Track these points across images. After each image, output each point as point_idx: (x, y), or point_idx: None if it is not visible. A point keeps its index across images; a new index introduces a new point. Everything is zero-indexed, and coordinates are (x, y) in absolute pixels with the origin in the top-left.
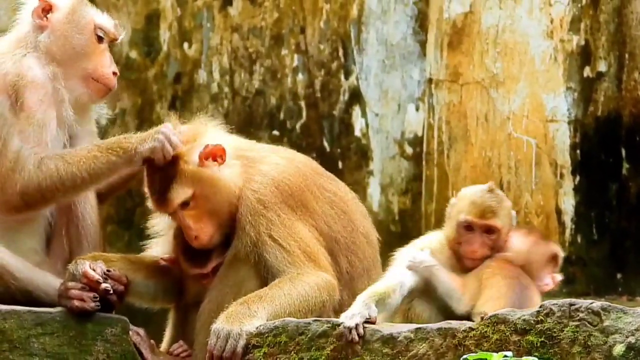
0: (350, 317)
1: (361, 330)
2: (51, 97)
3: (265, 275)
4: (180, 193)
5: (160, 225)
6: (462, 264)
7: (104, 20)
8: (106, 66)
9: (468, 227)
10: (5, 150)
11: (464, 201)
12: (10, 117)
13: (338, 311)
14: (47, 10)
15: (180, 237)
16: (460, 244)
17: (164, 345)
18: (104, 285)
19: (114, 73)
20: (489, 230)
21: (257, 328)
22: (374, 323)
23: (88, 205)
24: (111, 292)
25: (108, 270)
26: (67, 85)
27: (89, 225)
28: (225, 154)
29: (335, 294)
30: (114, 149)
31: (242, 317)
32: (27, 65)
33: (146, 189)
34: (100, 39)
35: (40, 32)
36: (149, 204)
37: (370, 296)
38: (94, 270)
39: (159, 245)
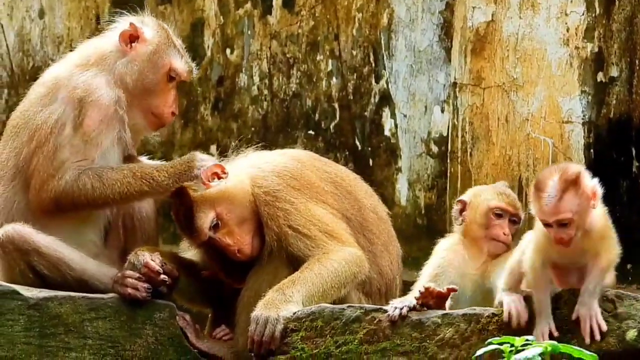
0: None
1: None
2: (112, 117)
3: (297, 262)
4: (204, 219)
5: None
6: (479, 252)
7: (180, 65)
8: (168, 105)
9: (499, 213)
10: (54, 156)
11: (490, 192)
12: (69, 128)
13: (368, 292)
14: (134, 37)
15: (217, 258)
16: (488, 229)
17: (207, 329)
18: (162, 276)
19: (173, 113)
20: (515, 218)
21: (294, 313)
22: None
23: None
24: (168, 282)
25: (164, 264)
26: (128, 111)
27: (144, 217)
28: (224, 168)
29: (363, 264)
30: (147, 179)
31: (279, 303)
32: (97, 84)
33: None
34: (171, 79)
35: (121, 57)
36: (184, 240)
37: None
38: (154, 261)
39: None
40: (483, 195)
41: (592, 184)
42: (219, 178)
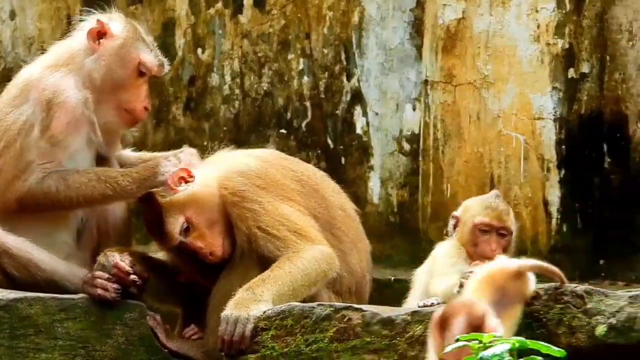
0: None
1: None
2: (79, 119)
3: (267, 262)
4: (174, 224)
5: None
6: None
7: (150, 58)
8: (139, 100)
9: (485, 229)
10: (20, 158)
11: (477, 206)
12: (37, 130)
13: (338, 291)
14: (102, 34)
15: (190, 261)
16: (477, 246)
17: (177, 329)
18: (132, 277)
19: (146, 108)
20: (504, 232)
21: (264, 312)
22: None
23: None
24: (138, 283)
25: (134, 264)
26: (98, 111)
27: (117, 218)
28: (191, 172)
29: (334, 261)
30: (112, 184)
31: (249, 302)
32: (65, 85)
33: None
34: (141, 74)
35: (89, 55)
36: (156, 245)
37: None
38: (123, 262)
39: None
40: (470, 211)
41: (494, 326)
42: (186, 182)
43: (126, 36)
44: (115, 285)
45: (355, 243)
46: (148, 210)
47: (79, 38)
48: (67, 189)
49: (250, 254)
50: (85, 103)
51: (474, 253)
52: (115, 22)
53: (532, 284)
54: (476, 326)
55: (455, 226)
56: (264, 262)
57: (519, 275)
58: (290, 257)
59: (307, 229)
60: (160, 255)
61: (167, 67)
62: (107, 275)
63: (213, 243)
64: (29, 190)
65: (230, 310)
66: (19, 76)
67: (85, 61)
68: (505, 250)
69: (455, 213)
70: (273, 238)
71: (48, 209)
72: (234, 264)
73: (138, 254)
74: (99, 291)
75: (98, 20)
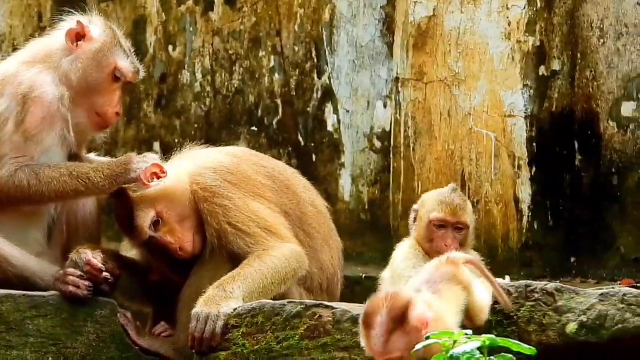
0: None
1: None
2: (54, 115)
3: (237, 259)
4: (144, 218)
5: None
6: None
7: (126, 64)
8: (112, 106)
9: (440, 225)
10: None
11: (432, 201)
12: (12, 124)
13: (310, 288)
14: (81, 36)
15: (161, 257)
16: (432, 242)
17: (148, 327)
18: (105, 274)
19: (117, 114)
20: (460, 226)
21: (235, 310)
22: None
23: None
24: (110, 280)
25: (106, 262)
26: (72, 111)
27: (87, 215)
28: (163, 168)
29: (303, 260)
30: (83, 179)
31: (219, 299)
32: (41, 81)
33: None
34: (116, 79)
35: (67, 55)
36: (126, 240)
37: None
38: (96, 259)
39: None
40: (426, 206)
41: (420, 315)
42: (158, 178)
43: (104, 41)
44: (87, 283)
45: (327, 240)
46: (119, 205)
47: (57, 37)
48: (38, 184)
49: (220, 251)
50: (62, 100)
51: (430, 250)
52: (94, 25)
53: (467, 273)
54: (399, 317)
55: (415, 219)
56: (235, 259)
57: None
58: (260, 255)
59: (277, 227)
60: (131, 254)
61: (142, 74)
62: (79, 273)
63: (183, 239)
64: None
65: (200, 307)
66: None
67: (63, 61)
68: (462, 245)
69: (415, 206)
70: (243, 234)
71: (19, 203)
72: (204, 260)
73: (110, 252)
74: (71, 288)
75: (78, 22)
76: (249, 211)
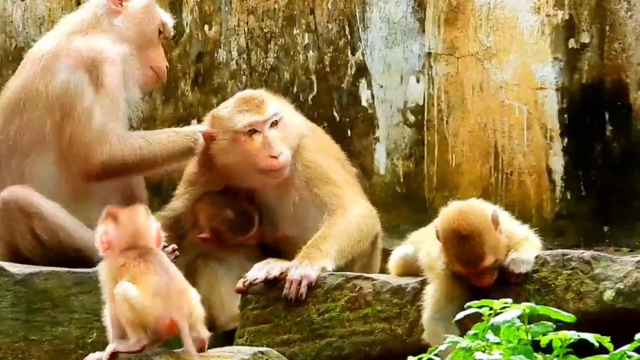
0: None
1: None
2: (127, 73)
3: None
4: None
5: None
6: None
7: (167, 18)
8: (163, 59)
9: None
10: (89, 122)
11: (449, 252)
12: (90, 91)
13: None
14: None
15: (219, 217)
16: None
17: None
18: (170, 247)
19: (167, 67)
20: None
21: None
22: None
23: None
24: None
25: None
26: (134, 67)
27: (141, 190)
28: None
29: (377, 218)
30: (190, 134)
31: (317, 257)
32: (102, 44)
33: None
34: (159, 33)
35: (115, 16)
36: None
37: None
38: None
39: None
40: (445, 254)
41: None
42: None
43: None
44: None
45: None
46: None
47: (95, 6)
48: (150, 146)
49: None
50: (126, 57)
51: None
52: None
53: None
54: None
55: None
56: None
57: None
58: (345, 214)
59: (352, 185)
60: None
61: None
62: None
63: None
64: (114, 152)
65: (299, 260)
66: (37, 49)
67: (114, 22)
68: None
69: (436, 225)
70: (332, 184)
71: (132, 171)
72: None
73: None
74: None
75: None
76: (334, 164)
